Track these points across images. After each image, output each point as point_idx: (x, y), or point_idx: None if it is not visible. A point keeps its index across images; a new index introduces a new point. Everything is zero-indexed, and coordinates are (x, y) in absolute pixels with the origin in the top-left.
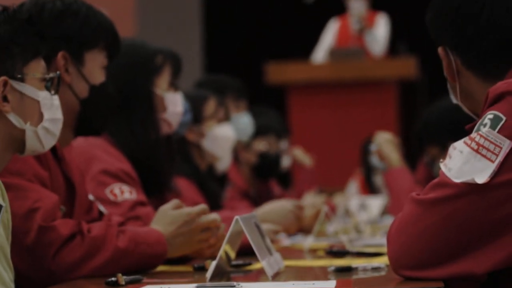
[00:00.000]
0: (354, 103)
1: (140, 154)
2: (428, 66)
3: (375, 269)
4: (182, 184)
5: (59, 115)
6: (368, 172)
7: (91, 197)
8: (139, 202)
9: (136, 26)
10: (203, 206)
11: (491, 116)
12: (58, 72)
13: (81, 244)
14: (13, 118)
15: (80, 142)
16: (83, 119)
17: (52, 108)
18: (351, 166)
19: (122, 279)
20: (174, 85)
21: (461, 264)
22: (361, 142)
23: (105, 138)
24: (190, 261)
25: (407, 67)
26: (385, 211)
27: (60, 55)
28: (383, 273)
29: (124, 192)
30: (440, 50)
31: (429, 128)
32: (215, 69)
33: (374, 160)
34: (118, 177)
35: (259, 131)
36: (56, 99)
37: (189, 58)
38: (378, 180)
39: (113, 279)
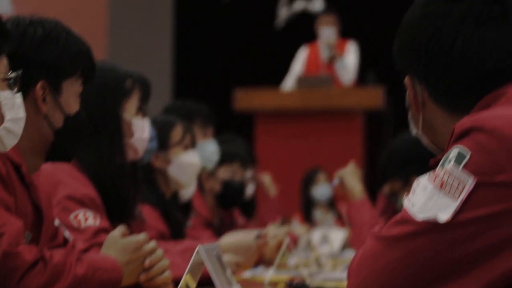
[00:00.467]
0: (321, 132)
1: (105, 179)
2: (395, 96)
3: None
4: (147, 211)
5: (21, 113)
6: (308, 206)
7: (56, 222)
8: (103, 229)
9: (107, 48)
10: (145, 234)
11: (455, 152)
12: (19, 71)
13: (43, 271)
14: None
15: (46, 166)
16: (56, 147)
17: (13, 107)
18: None
19: None
20: (142, 110)
21: None
22: (303, 175)
23: (71, 162)
24: None
25: (375, 97)
26: (347, 245)
27: (39, 84)
28: None
29: (88, 219)
30: (407, 79)
31: (392, 161)
32: (183, 94)
33: (318, 192)
34: (82, 203)
35: (224, 159)
36: (18, 97)
37: (158, 82)
38: (318, 214)
39: None
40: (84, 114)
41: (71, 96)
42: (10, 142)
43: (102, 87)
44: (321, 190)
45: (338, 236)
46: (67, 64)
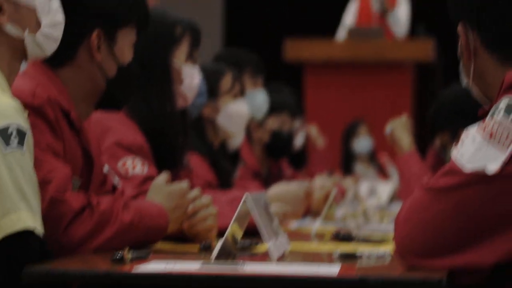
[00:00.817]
0: (371, 84)
1: (154, 126)
2: (446, 48)
3: (380, 256)
4: (195, 160)
5: (59, 17)
6: (348, 160)
7: (105, 169)
8: (150, 176)
9: None
10: (187, 182)
11: (505, 103)
12: None
13: (90, 218)
14: (11, 29)
15: (96, 113)
16: (107, 96)
17: (50, 12)
18: None
19: (128, 256)
20: (192, 58)
21: (468, 254)
22: (345, 127)
23: (122, 110)
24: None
25: (425, 49)
26: (395, 197)
27: (94, 34)
28: (387, 261)
29: (136, 166)
30: (459, 27)
31: (441, 114)
32: (233, 43)
33: (359, 145)
34: (131, 150)
35: (273, 109)
36: (54, 2)
37: (208, 31)
38: (360, 168)
39: (119, 255)
40: (135, 62)
41: (126, 45)
42: (50, 48)
43: (152, 34)
44: (363, 143)
45: (385, 188)
46: (123, 13)
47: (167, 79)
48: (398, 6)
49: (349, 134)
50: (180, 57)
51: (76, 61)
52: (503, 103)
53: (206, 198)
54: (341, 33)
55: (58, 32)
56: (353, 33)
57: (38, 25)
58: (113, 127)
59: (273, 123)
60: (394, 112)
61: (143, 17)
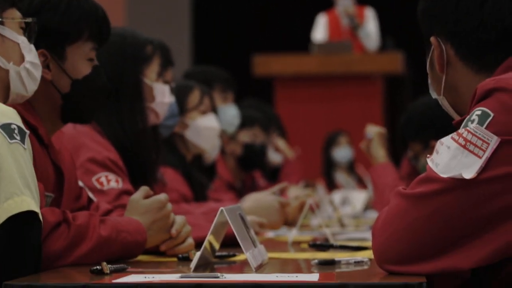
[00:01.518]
0: (341, 97)
1: (127, 142)
2: (413, 61)
3: (358, 262)
4: (169, 174)
5: (37, 60)
6: (329, 169)
7: (80, 183)
8: (125, 191)
9: (125, 16)
10: (165, 194)
11: (479, 112)
12: (33, 18)
13: (67, 233)
14: None
15: (69, 129)
16: (68, 111)
17: (31, 53)
18: None
19: (107, 267)
20: (162, 76)
21: (446, 259)
22: (325, 136)
23: (92, 126)
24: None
25: (394, 62)
26: (369, 206)
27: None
28: (365, 267)
29: (111, 181)
30: (433, 39)
31: (412, 124)
32: (203, 60)
33: (338, 154)
34: (105, 166)
35: (245, 123)
36: (33, 48)
37: (177, 49)
38: (341, 177)
39: (98, 267)
40: (102, 77)
41: (79, 60)
42: (31, 86)
43: (122, 52)
44: (343, 153)
45: (359, 197)
46: (68, 30)
47: (138, 96)
48: (367, 20)
49: (329, 143)
50: (151, 76)
51: None
52: (476, 113)
53: (180, 218)
54: (312, 48)
55: (38, 74)
56: (322, 47)
57: (21, 59)
58: (86, 143)
59: (245, 137)
60: (365, 123)
61: (97, 31)
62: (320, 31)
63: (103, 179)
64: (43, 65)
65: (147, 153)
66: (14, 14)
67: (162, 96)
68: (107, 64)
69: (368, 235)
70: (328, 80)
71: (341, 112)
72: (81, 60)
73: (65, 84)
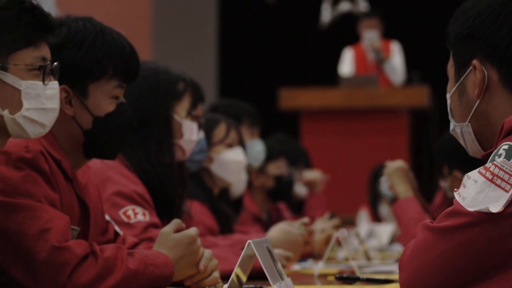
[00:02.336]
0: (367, 130)
1: (153, 177)
2: (439, 95)
3: None
4: (195, 207)
5: (49, 104)
6: (375, 201)
7: (107, 217)
8: (152, 224)
9: (152, 49)
10: (196, 229)
11: (506, 147)
12: (48, 62)
13: (95, 265)
14: None
15: (96, 163)
16: (90, 147)
17: (39, 97)
18: (362, 193)
19: None
20: (191, 114)
21: None
22: (370, 170)
23: (120, 159)
24: None
25: (420, 95)
26: (394, 239)
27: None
28: None
29: (138, 214)
30: (476, 62)
31: (441, 151)
32: (229, 94)
33: (383, 188)
34: (132, 199)
35: (271, 156)
36: (50, 89)
37: (203, 82)
38: (384, 209)
39: None
40: (133, 115)
41: (102, 98)
42: (35, 131)
43: (154, 88)
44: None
45: (385, 230)
46: (90, 67)
47: (167, 131)
48: (393, 54)
49: (375, 176)
50: (180, 112)
51: None
52: (503, 148)
53: (208, 252)
54: (339, 82)
55: (46, 118)
56: (348, 81)
57: (19, 106)
58: (113, 177)
59: (273, 169)
60: (391, 157)
61: (121, 68)
62: (346, 65)
63: (130, 212)
64: (65, 101)
65: (173, 187)
66: (27, 56)
67: (190, 134)
68: (139, 98)
69: (394, 268)
70: (354, 114)
71: (368, 145)
72: (104, 98)
73: (87, 121)
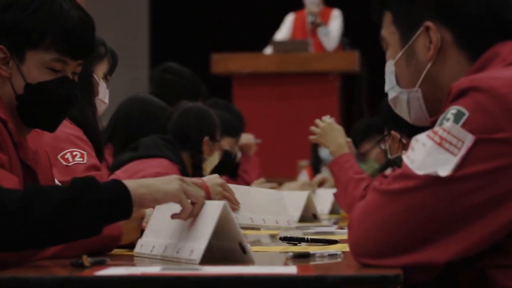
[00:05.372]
0: (298, 94)
1: (84, 123)
2: (369, 59)
3: (332, 255)
4: None
5: None
6: (316, 165)
7: (57, 183)
8: (92, 166)
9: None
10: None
11: (454, 111)
12: None
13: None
14: None
15: None
16: (25, 114)
17: None
18: (295, 156)
19: (87, 260)
20: (107, 79)
21: (421, 253)
22: (303, 134)
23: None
24: None
25: (351, 60)
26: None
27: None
28: (339, 259)
29: (76, 157)
30: (430, 24)
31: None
32: (161, 59)
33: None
34: (69, 141)
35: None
36: None
37: (136, 48)
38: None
39: (78, 260)
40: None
41: (36, 66)
42: None
43: None
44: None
45: (328, 193)
46: (29, 32)
47: (87, 88)
48: (331, 21)
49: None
50: (98, 73)
51: None
52: (451, 112)
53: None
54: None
55: None
56: (279, 45)
57: None
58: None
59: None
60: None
61: (62, 39)
62: (284, 30)
63: (68, 155)
64: (3, 62)
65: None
66: None
67: (104, 96)
68: None
69: (337, 230)
70: (285, 79)
71: (299, 109)
72: (39, 67)
73: (20, 86)
